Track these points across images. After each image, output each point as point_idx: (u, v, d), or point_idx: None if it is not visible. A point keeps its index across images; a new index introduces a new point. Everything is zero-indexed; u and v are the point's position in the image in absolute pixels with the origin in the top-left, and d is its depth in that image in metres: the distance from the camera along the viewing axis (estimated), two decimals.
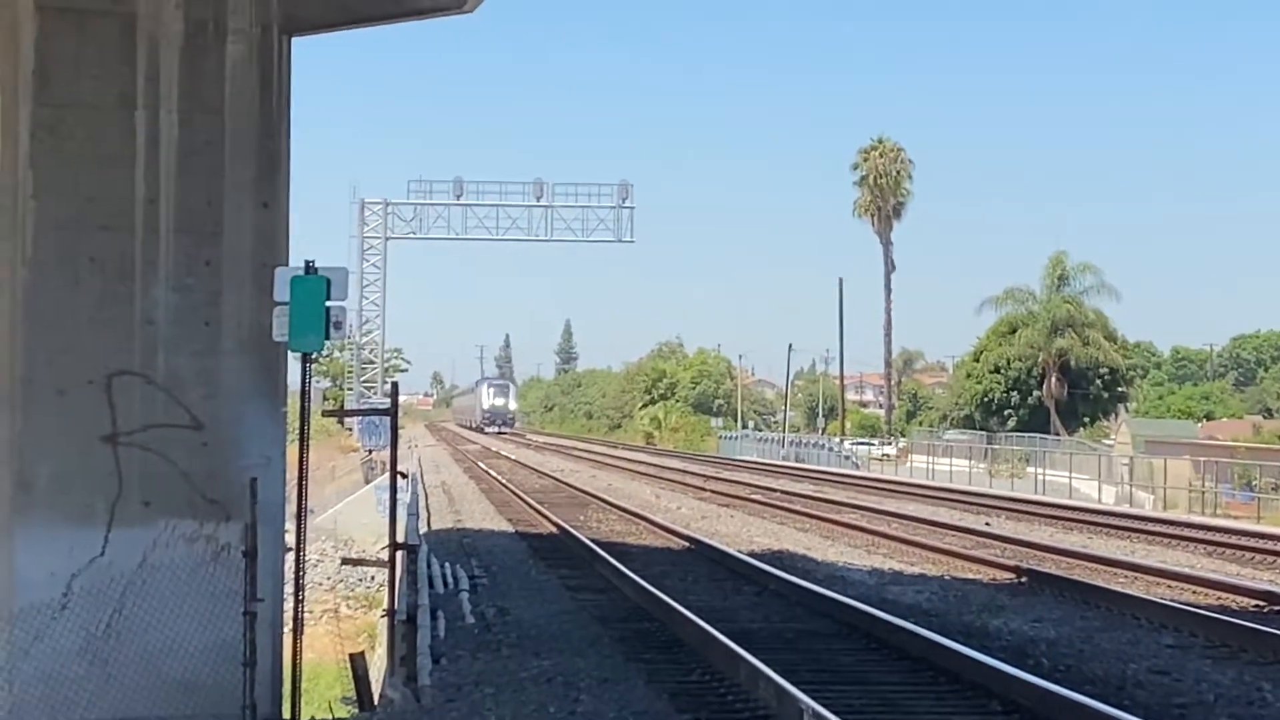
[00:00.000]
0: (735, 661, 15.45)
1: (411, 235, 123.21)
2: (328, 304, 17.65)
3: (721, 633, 16.99)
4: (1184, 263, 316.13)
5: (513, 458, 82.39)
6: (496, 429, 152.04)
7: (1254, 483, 61.33)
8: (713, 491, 53.09)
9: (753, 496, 49.72)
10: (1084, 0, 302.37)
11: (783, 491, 53.19)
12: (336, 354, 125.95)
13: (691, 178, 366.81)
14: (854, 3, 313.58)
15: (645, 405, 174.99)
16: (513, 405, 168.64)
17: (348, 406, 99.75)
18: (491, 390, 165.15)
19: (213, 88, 18.97)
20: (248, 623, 17.70)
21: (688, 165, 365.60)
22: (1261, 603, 22.66)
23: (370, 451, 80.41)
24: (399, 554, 19.63)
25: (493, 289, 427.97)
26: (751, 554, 28.89)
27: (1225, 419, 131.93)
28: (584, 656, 17.12)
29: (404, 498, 25.22)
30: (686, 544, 31.87)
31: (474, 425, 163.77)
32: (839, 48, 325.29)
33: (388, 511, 19.77)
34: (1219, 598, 23.50)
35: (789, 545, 32.41)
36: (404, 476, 22.04)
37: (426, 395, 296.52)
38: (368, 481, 68.26)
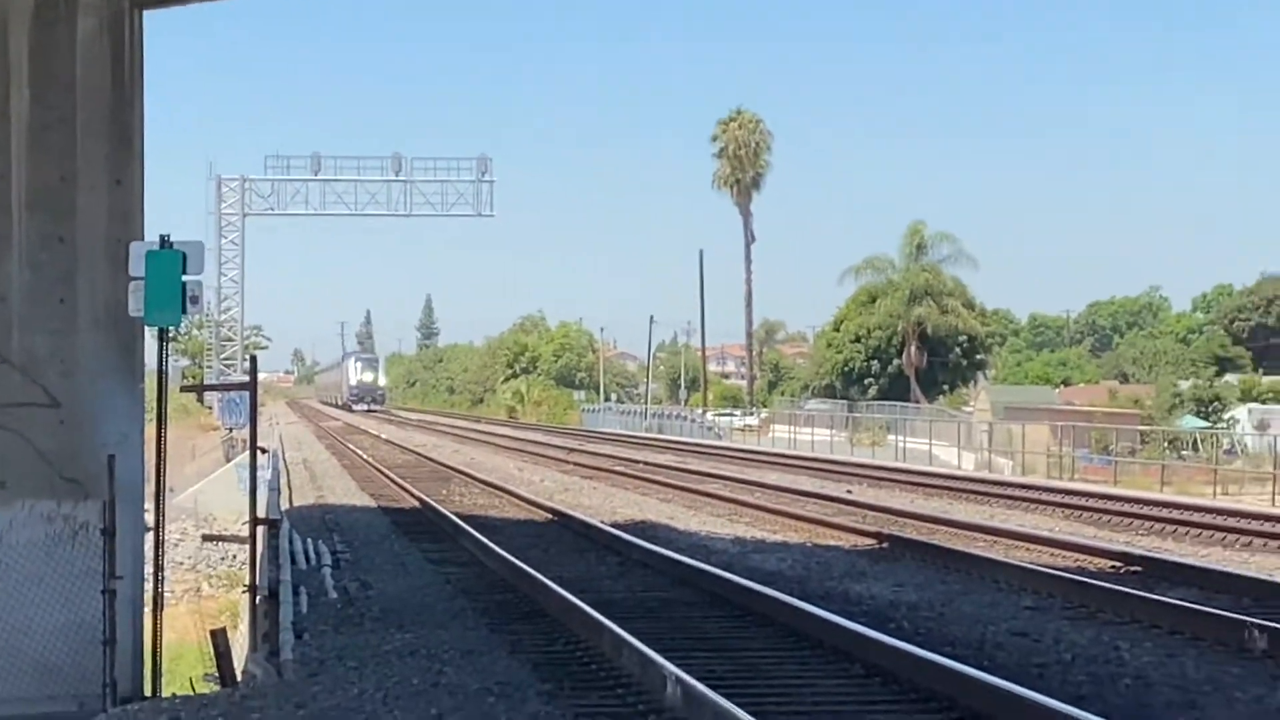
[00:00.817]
0: (599, 631, 15.48)
1: (269, 212, 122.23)
2: (184, 278, 17.52)
3: (585, 603, 17.02)
4: (1041, 231, 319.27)
5: (375, 434, 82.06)
6: (365, 406, 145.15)
7: (1110, 447, 62.14)
8: (576, 464, 53.15)
9: (616, 468, 49.82)
10: None
11: (645, 463, 53.33)
12: (195, 332, 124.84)
13: (552, 151, 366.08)
14: None
15: (507, 379, 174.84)
16: (382, 381, 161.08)
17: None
18: (359, 365, 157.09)
19: (64, 63, 18.75)
20: (107, 601, 17.56)
21: (548, 139, 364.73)
22: (1118, 564, 22.97)
23: (230, 430, 79.72)
24: (260, 530, 19.53)
25: (353, 265, 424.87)
26: (615, 525, 28.96)
27: (1082, 385, 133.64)
28: (447, 629, 17.10)
29: (265, 474, 25.05)
30: (550, 516, 31.90)
31: (340, 403, 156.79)
32: (698, 18, 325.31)
33: (248, 488, 19.66)
34: (1076, 560, 23.80)
35: (652, 515, 32.51)
36: (264, 452, 21.92)
37: (287, 373, 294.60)
38: (228, 460, 67.75)
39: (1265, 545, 26.65)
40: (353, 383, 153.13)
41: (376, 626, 17.40)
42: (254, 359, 21.13)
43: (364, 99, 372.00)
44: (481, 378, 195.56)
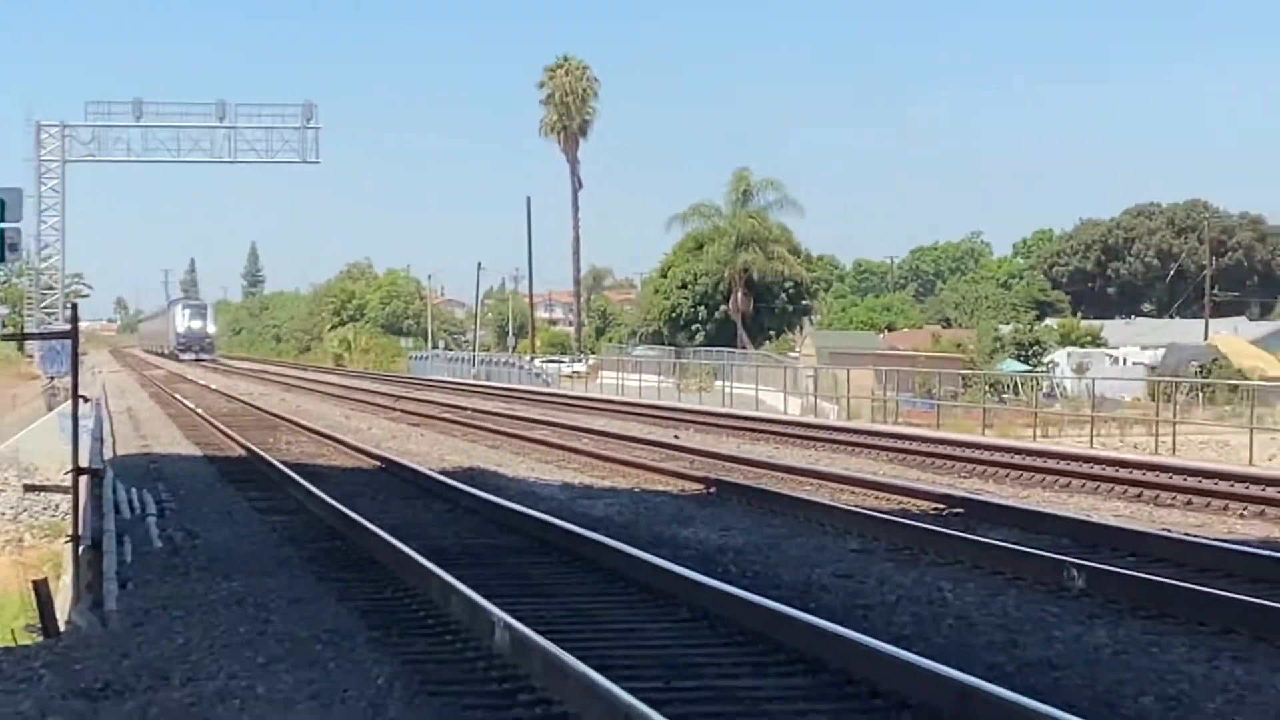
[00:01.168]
0: (427, 578, 15.47)
1: (90, 158, 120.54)
2: (1, 225, 17.24)
3: (413, 549, 17.00)
4: (866, 179, 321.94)
5: (200, 382, 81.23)
6: (193, 355, 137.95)
7: (933, 391, 62.96)
8: (403, 411, 52.97)
9: (444, 415, 49.70)
10: None
11: (474, 410, 53.27)
12: (15, 280, 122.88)
13: (379, 98, 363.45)
14: None
15: (334, 327, 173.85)
16: (211, 329, 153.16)
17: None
18: (187, 312, 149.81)
19: None
20: None
21: (375, 85, 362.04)
22: (941, 505, 23.28)
23: (52, 378, 78.61)
24: (83, 479, 19.32)
25: (177, 212, 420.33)
26: (443, 472, 28.91)
27: (906, 330, 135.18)
28: (274, 577, 17.01)
29: (88, 423, 24.77)
30: (378, 463, 31.78)
31: (166, 351, 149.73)
32: None
33: (71, 436, 19.43)
34: (901, 502, 24.09)
35: (481, 463, 32.50)
36: (86, 401, 21.66)
37: (110, 321, 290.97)
38: (50, 409, 66.79)
39: (1083, 486, 27.12)
40: (180, 330, 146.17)
41: (202, 575, 17.27)
42: (75, 307, 20.87)
43: (187, 45, 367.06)
44: (308, 326, 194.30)
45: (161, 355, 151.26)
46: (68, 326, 20.28)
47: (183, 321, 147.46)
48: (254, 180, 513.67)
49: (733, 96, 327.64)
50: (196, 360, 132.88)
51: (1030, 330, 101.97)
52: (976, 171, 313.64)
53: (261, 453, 32.82)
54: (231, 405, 57.56)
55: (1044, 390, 71.10)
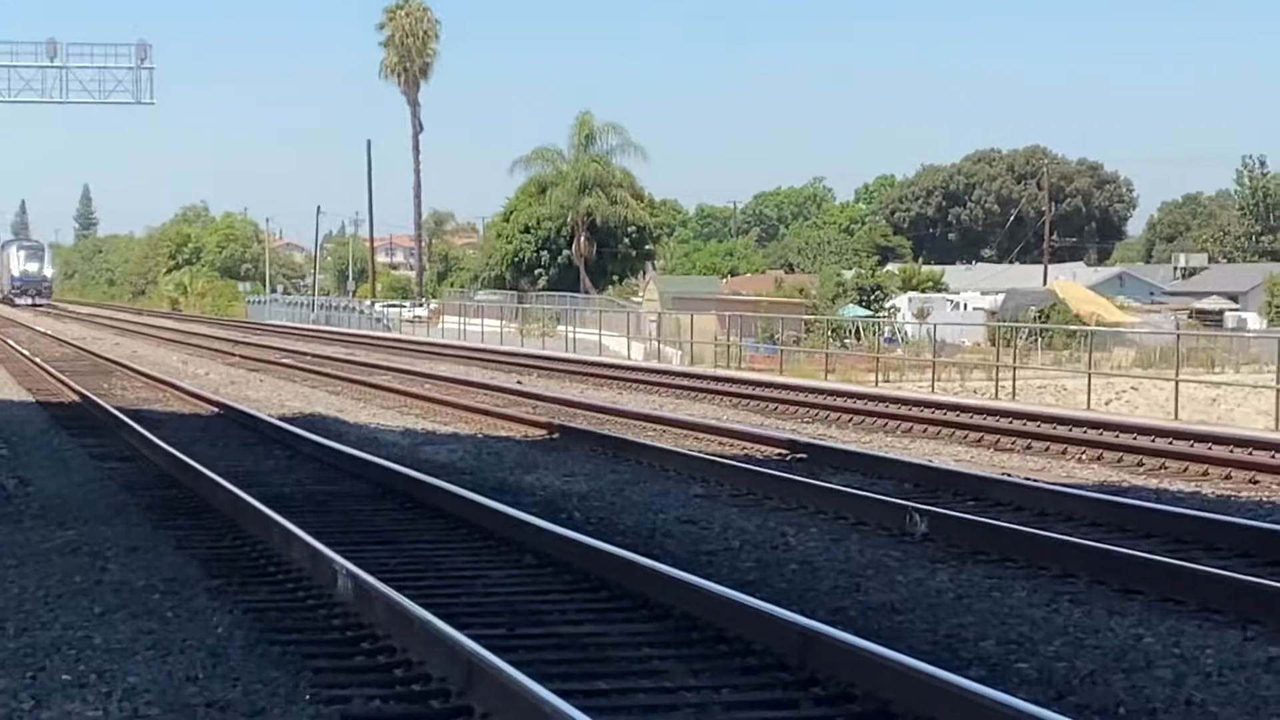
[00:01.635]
0: (268, 525, 15.28)
1: None
2: None
3: (253, 497, 16.79)
4: (708, 123, 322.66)
5: (32, 326, 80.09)
6: (29, 300, 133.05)
7: (776, 336, 63.24)
8: (242, 356, 52.48)
9: (283, 360, 49.28)
10: None
11: (314, 355, 52.90)
12: None
13: (215, 38, 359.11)
14: None
15: (170, 271, 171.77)
16: (49, 271, 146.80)
17: None
18: (22, 254, 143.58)
19: None
20: None
21: (213, 25, 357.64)
22: (784, 451, 23.38)
23: None
24: None
25: (5, 154, 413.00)
26: (283, 418, 28.63)
27: (749, 275, 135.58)
28: (111, 525, 16.74)
29: None
30: (215, 410, 31.41)
31: (5, 296, 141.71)
32: None
33: None
34: (744, 448, 24.16)
35: (321, 409, 32.25)
36: None
37: None
38: None
39: (925, 431, 27.37)
40: (15, 274, 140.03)
41: (36, 524, 16.96)
42: None
43: None
44: (143, 269, 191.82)
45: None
46: None
47: (18, 264, 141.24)
48: (87, 121, 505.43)
49: (576, 40, 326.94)
50: (33, 305, 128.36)
51: (872, 275, 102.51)
52: (818, 116, 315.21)
53: (96, 399, 32.30)
54: (64, 350, 56.76)
55: (885, 335, 71.65)
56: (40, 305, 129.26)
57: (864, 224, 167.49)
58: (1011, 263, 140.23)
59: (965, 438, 26.24)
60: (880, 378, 48.59)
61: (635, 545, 14.56)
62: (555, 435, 26.37)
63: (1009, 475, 20.64)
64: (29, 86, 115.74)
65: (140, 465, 22.44)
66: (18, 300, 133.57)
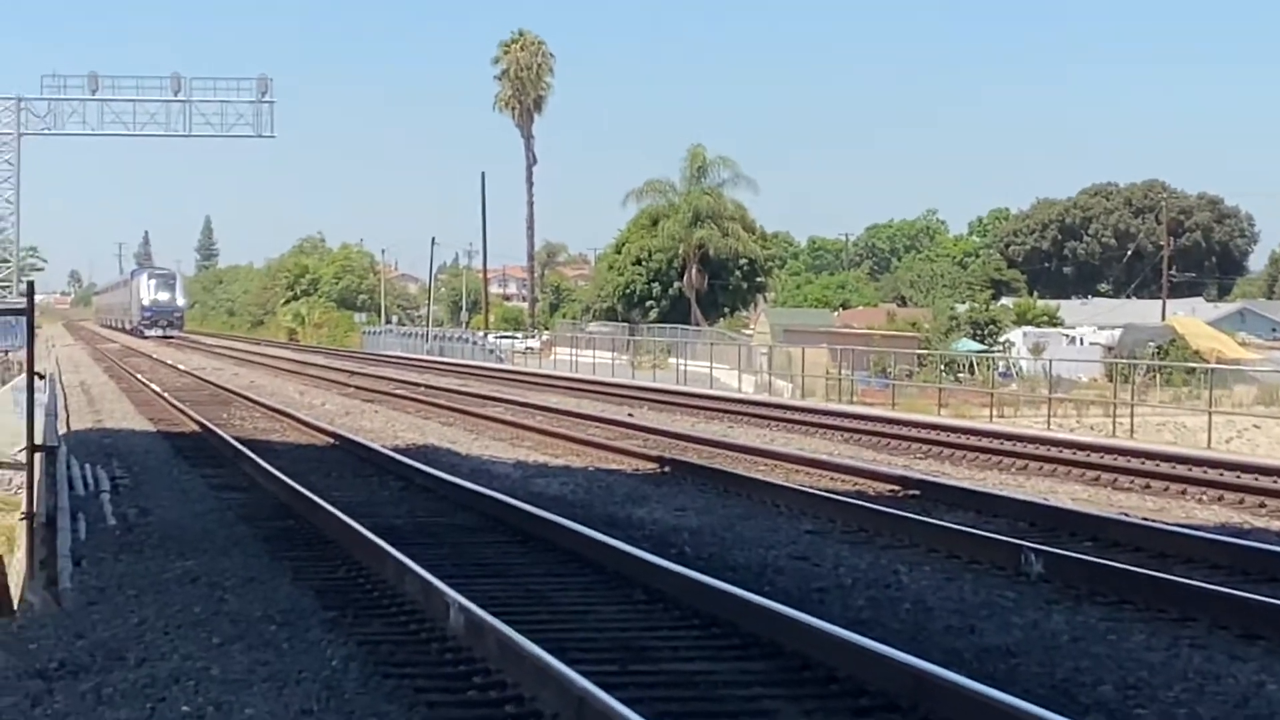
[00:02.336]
0: (381, 557, 15.39)
1: (46, 132, 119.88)
2: None
3: (366, 528, 16.92)
4: (821, 155, 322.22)
5: (154, 356, 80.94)
6: (160, 331, 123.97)
7: (888, 370, 63.01)
8: (357, 387, 52.82)
9: (397, 391, 49.58)
10: None
11: (427, 386, 53.14)
12: None
13: (333, 72, 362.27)
14: None
15: (288, 301, 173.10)
16: (181, 301, 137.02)
17: None
18: (153, 282, 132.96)
19: None
20: None
21: (329, 59, 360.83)
22: (896, 487, 23.25)
23: (5, 352, 78.19)
24: (37, 456, 19.17)
25: (131, 186, 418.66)
26: (396, 449, 28.83)
27: (861, 308, 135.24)
28: (229, 556, 16.91)
29: (42, 398, 24.57)
30: (331, 440, 31.66)
31: (128, 327, 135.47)
32: None
33: (25, 412, 19.28)
34: (856, 484, 24.04)
35: (434, 440, 32.41)
36: (41, 377, 21.49)
37: (64, 294, 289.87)
38: (3, 383, 66.48)
39: (1040, 469, 27.09)
40: (145, 303, 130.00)
41: (156, 554, 17.16)
42: (31, 285, 20.63)
43: (143, 18, 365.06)
44: (261, 300, 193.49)
45: (122, 331, 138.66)
46: (22, 301, 20.09)
47: (148, 292, 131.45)
48: (209, 154, 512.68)
49: (688, 72, 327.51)
50: (164, 337, 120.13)
51: (986, 309, 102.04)
52: (933, 149, 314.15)
53: (215, 429, 32.66)
54: (185, 380, 57.32)
55: (1000, 370, 71.29)
56: (171, 337, 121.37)
57: (978, 257, 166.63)
58: (1128, 298, 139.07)
59: (1082, 476, 25.96)
60: (994, 413, 48.25)
61: (746, 581, 14.54)
62: (666, 469, 26.36)
63: (1127, 515, 20.45)
64: (153, 120, 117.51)
65: (258, 495, 22.66)
66: (148, 331, 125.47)
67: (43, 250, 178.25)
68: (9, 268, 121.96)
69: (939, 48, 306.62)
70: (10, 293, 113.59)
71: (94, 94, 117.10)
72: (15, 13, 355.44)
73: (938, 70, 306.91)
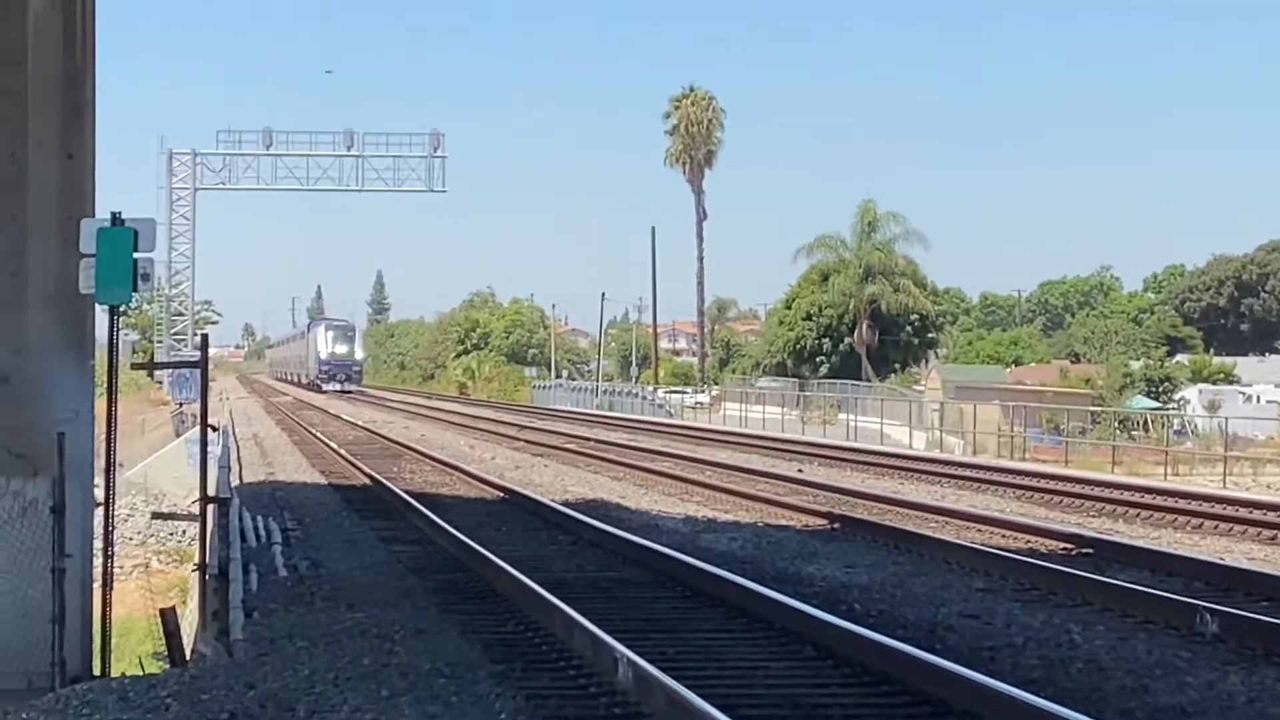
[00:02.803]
0: (550, 611, 15.44)
1: (221, 186, 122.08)
2: (135, 255, 17.41)
3: (536, 582, 16.97)
4: (994, 211, 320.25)
5: (326, 409, 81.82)
6: (338, 386, 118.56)
7: (1061, 427, 62.38)
8: (527, 441, 53.06)
9: (567, 446, 49.75)
10: None
11: (597, 440, 53.29)
12: (146, 306, 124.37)
13: (504, 127, 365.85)
14: None
15: (459, 355, 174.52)
16: (360, 354, 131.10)
17: (158, 359, 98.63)
18: (331, 334, 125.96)
19: (14, 38, 18.62)
20: (55, 579, 17.47)
21: (501, 114, 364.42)
22: (1070, 545, 23.00)
23: (180, 404, 79.54)
24: (210, 508, 19.45)
25: (304, 239, 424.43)
26: (566, 503, 28.90)
27: (1033, 364, 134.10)
28: (398, 608, 17.03)
29: (215, 450, 24.95)
30: (500, 494, 31.83)
31: (304, 380, 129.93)
32: None
33: (198, 465, 19.57)
34: (1028, 541, 23.81)
35: (603, 494, 32.48)
36: (214, 430, 21.86)
37: (238, 347, 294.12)
38: (178, 435, 67.63)
39: (1216, 528, 26.71)
40: (323, 355, 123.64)
41: (327, 605, 17.33)
42: (205, 338, 20.98)
43: (316, 74, 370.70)
44: (432, 353, 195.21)
45: (298, 385, 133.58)
46: (197, 354, 20.44)
47: (326, 345, 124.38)
48: (381, 208, 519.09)
49: (859, 128, 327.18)
50: (342, 392, 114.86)
51: (1161, 366, 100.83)
52: (1107, 205, 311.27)
53: (386, 481, 32.96)
54: (356, 433, 57.90)
55: (1175, 428, 70.28)
56: (349, 392, 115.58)
57: (1153, 314, 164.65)
58: None
59: (1258, 535, 25.55)
60: (1169, 471, 47.61)
61: (917, 639, 14.44)
62: (836, 525, 26.24)
63: None
64: (326, 175, 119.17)
65: (427, 548, 22.82)
66: (325, 386, 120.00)
67: (217, 304, 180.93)
68: (185, 321, 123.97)
69: (1113, 104, 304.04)
70: (185, 346, 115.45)
71: (268, 149, 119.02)
72: (192, 69, 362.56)
73: (1111, 126, 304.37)
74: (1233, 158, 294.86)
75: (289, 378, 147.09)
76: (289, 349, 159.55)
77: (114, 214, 17.73)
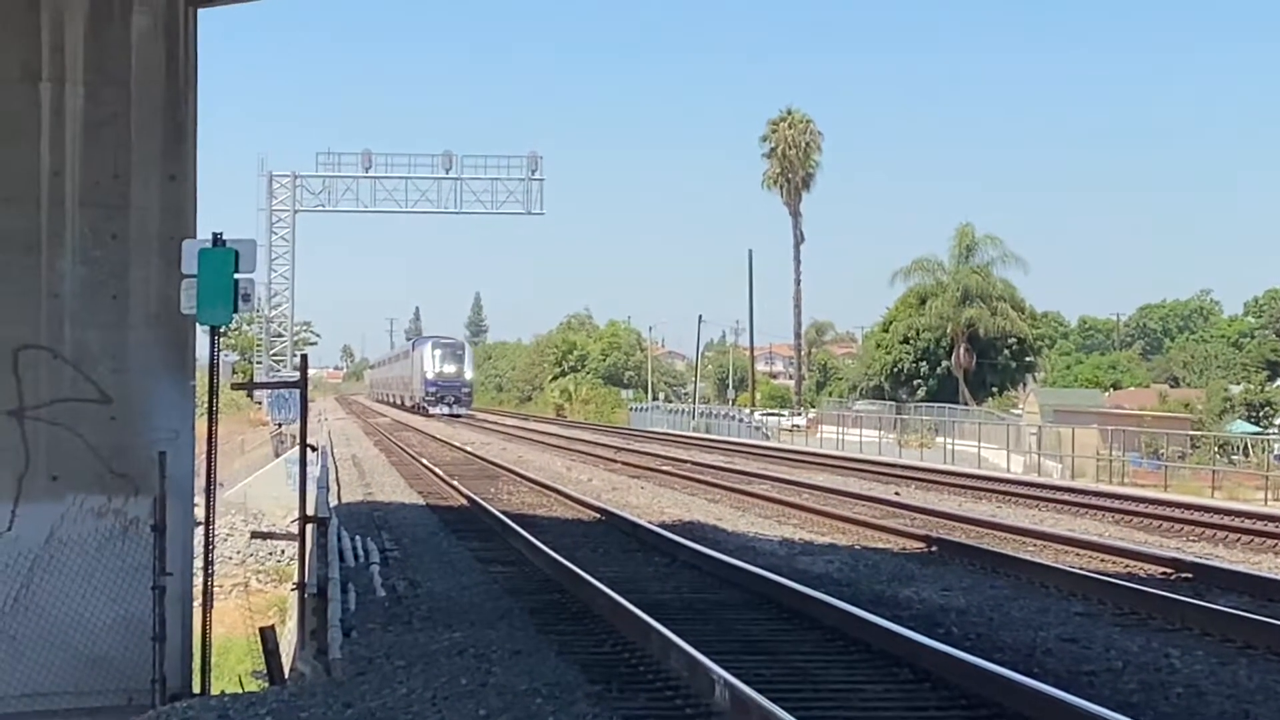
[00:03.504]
0: (647, 632, 15.45)
1: (320, 208, 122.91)
2: (236, 276, 17.57)
3: (632, 603, 16.99)
4: (1092, 234, 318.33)
5: (423, 430, 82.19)
6: (446, 409, 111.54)
7: (1161, 451, 61.91)
8: (623, 463, 53.11)
9: (663, 468, 49.77)
10: None
11: (693, 463, 53.26)
12: (245, 327, 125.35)
13: (602, 149, 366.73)
14: None
15: (555, 377, 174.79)
16: (469, 373, 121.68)
17: (257, 380, 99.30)
18: (439, 353, 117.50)
19: (119, 60, 18.84)
20: (156, 597, 17.64)
21: (598, 136, 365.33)
22: (1169, 570, 22.84)
23: (279, 425, 79.88)
24: (309, 527, 19.56)
25: (402, 261, 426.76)
26: (662, 525, 28.92)
27: (1132, 388, 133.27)
28: (495, 629, 17.09)
29: (314, 470, 25.07)
30: (597, 515, 31.88)
31: (408, 403, 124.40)
32: (749, 18, 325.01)
33: (297, 485, 19.70)
34: (1127, 565, 23.67)
35: (699, 516, 32.47)
36: (314, 450, 21.97)
37: (336, 368, 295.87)
38: (277, 455, 67.98)
39: None
40: (430, 375, 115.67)
41: (424, 625, 17.41)
42: (304, 358, 21.15)
43: (415, 97, 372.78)
44: (529, 375, 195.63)
45: (401, 408, 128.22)
46: (296, 374, 20.57)
47: (433, 364, 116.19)
48: (479, 230, 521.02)
49: (957, 149, 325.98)
50: (451, 415, 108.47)
51: (1261, 391, 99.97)
52: (1207, 228, 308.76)
53: (483, 502, 33.07)
54: (454, 454, 58.10)
55: (1275, 453, 69.60)
56: (459, 416, 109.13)
57: (1253, 338, 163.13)
58: None
59: None
60: (1269, 496, 47.14)
61: (1015, 663, 14.38)
62: (933, 548, 26.14)
63: None
64: (425, 197, 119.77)
65: (524, 569, 22.89)
66: (432, 409, 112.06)
67: (316, 325, 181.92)
68: (284, 341, 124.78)
69: (1212, 127, 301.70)
70: (285, 366, 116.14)
71: (367, 171, 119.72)
72: (292, 91, 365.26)
73: (1212, 149, 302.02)
74: None
75: (392, 399, 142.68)
76: (392, 369, 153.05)
77: (215, 235, 17.90)
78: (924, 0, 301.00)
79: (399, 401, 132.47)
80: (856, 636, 15.93)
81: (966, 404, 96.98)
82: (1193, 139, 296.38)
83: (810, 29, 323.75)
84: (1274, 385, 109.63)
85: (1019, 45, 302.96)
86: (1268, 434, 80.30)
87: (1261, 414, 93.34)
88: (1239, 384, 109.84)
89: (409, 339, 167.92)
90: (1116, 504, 36.26)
